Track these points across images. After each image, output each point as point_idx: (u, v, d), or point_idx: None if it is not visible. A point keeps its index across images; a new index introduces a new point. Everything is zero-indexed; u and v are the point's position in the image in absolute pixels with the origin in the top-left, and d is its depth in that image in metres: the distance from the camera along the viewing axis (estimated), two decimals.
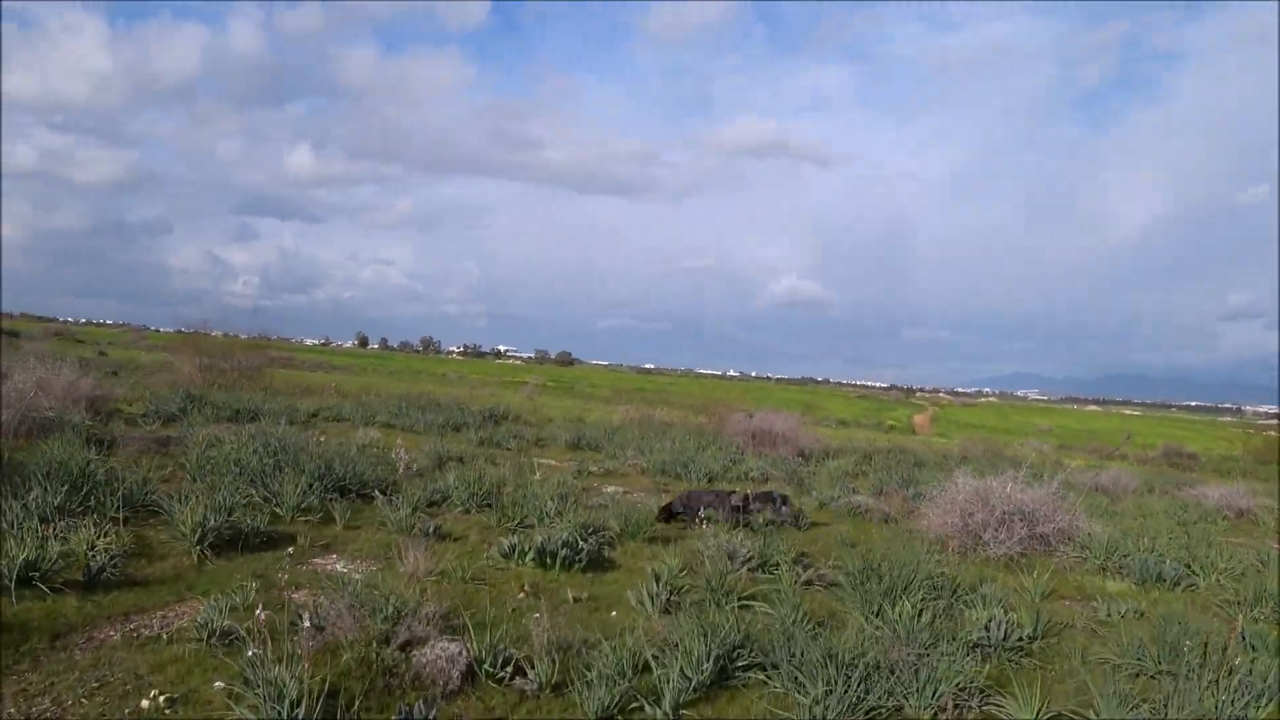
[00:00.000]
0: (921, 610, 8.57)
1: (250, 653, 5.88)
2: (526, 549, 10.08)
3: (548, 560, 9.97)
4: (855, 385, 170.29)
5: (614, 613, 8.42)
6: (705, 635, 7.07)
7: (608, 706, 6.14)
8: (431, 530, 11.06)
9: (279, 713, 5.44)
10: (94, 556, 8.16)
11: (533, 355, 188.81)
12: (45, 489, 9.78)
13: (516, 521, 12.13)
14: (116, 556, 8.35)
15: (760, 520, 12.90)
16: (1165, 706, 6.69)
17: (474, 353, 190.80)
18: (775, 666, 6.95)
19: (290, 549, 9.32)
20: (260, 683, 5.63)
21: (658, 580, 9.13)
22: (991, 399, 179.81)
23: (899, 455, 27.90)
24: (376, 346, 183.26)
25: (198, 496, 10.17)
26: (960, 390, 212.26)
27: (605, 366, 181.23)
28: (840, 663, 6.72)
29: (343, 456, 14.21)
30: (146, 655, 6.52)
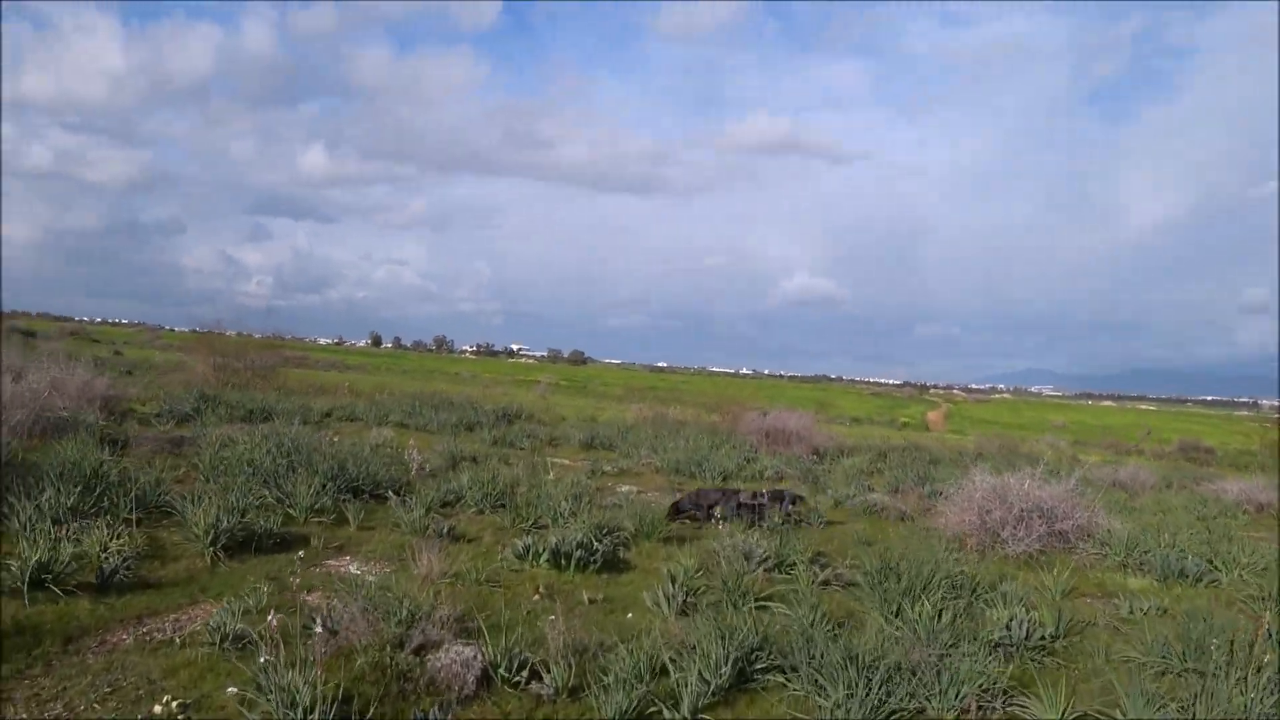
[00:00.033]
0: (941, 610, 8.45)
1: (262, 659, 5.81)
2: (541, 550, 10.00)
3: (562, 561, 9.89)
4: (868, 382, 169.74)
5: (630, 614, 8.33)
6: (723, 638, 6.97)
7: (625, 711, 6.05)
8: (445, 531, 11.00)
9: (292, 719, 5.38)
10: (107, 558, 8.11)
11: (545, 354, 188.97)
12: (58, 490, 9.75)
13: (531, 522, 12.06)
14: (129, 558, 8.30)
15: (775, 519, 12.79)
16: (1193, 705, 6.57)
17: (487, 351, 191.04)
18: (795, 669, 6.84)
19: (303, 551, 9.28)
20: (273, 688, 5.57)
21: (673, 581, 9.03)
22: (1005, 395, 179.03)
23: (914, 452, 27.76)
24: (390, 346, 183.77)
25: (211, 497, 10.14)
26: (974, 386, 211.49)
27: (618, 365, 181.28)
28: (861, 665, 6.61)
29: (356, 456, 14.18)
30: (159, 659, 6.47)
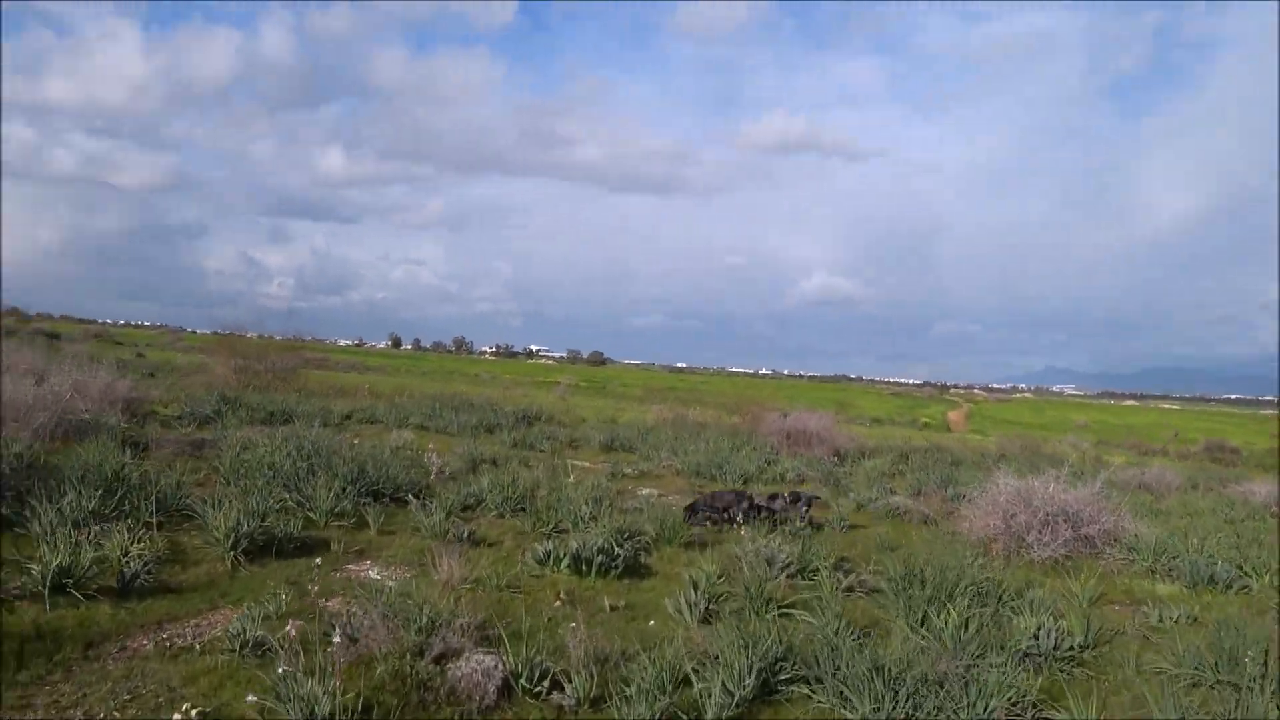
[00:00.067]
0: (968, 619, 8.29)
1: (281, 669, 5.76)
2: (561, 555, 9.93)
3: (583, 567, 9.81)
4: (888, 382, 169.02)
5: (651, 622, 8.22)
6: (746, 647, 6.86)
7: None
8: (465, 536, 10.95)
9: None
10: (128, 563, 8.10)
11: (565, 355, 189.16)
12: (79, 493, 9.75)
13: (551, 526, 11.98)
14: (150, 563, 8.28)
15: (795, 522, 12.68)
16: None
17: (506, 353, 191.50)
18: (819, 680, 6.72)
19: (323, 555, 9.26)
20: (292, 697, 5.53)
21: (695, 588, 8.94)
22: (1026, 395, 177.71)
23: (936, 454, 27.51)
24: (409, 347, 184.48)
25: (231, 501, 10.10)
26: (995, 386, 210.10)
27: (637, 366, 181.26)
28: (887, 676, 6.49)
29: (376, 459, 14.15)
30: (179, 666, 6.44)
